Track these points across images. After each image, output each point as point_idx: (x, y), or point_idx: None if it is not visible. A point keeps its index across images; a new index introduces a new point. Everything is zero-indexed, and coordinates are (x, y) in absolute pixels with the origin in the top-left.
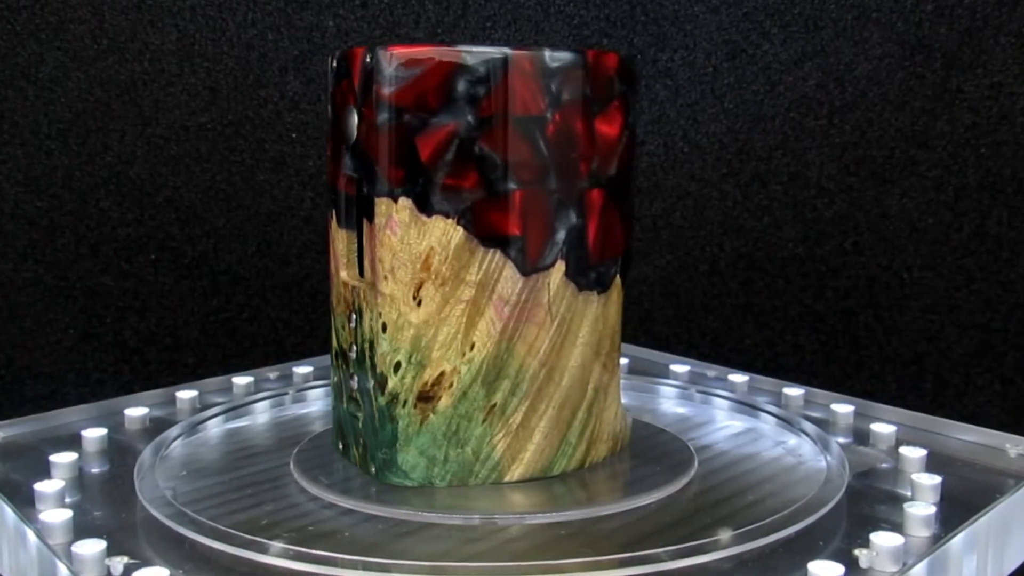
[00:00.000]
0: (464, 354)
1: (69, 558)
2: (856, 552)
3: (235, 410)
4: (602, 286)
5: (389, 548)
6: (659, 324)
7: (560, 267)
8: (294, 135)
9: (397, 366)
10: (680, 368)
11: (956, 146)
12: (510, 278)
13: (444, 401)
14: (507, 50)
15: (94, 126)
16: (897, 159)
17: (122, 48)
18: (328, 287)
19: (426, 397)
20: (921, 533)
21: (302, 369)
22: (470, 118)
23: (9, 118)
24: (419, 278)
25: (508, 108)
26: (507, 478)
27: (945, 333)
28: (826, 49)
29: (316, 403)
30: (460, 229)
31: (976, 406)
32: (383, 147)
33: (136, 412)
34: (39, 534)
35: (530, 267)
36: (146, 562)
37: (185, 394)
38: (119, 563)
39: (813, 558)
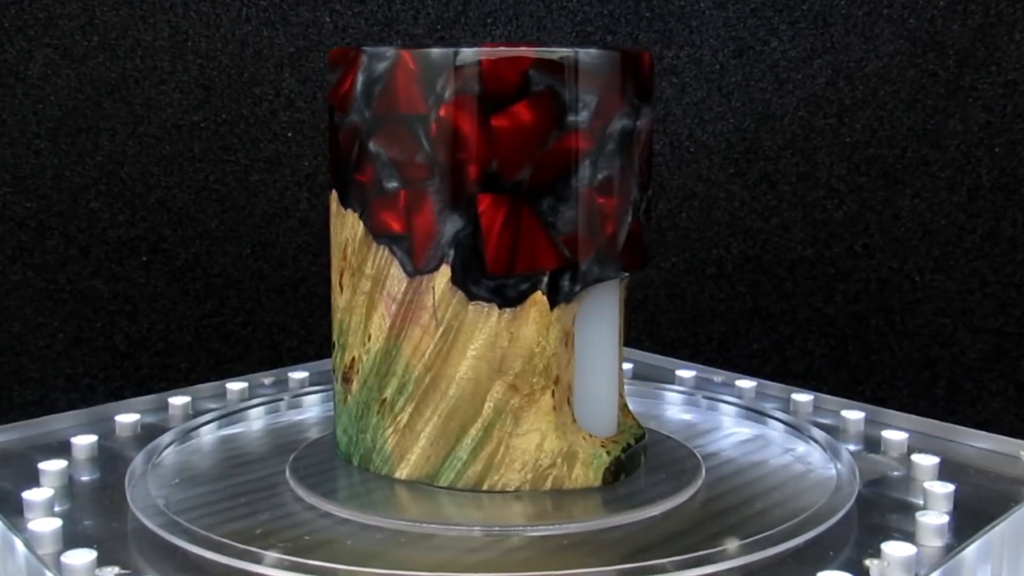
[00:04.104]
0: (364, 344)
1: (58, 568)
2: (867, 562)
3: (229, 416)
4: (505, 300)
5: (388, 558)
6: (664, 328)
7: (446, 272)
8: (290, 134)
9: (333, 345)
10: (686, 373)
11: (969, 145)
12: (396, 276)
13: (355, 385)
14: (392, 49)
15: (84, 125)
16: (909, 159)
17: (113, 45)
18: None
19: (346, 379)
20: (934, 543)
21: (298, 374)
22: (367, 115)
23: None
24: (341, 266)
25: (395, 107)
26: (396, 474)
27: (958, 337)
28: (836, 46)
29: (312, 409)
30: (361, 223)
31: (990, 412)
32: (329, 145)
33: (127, 418)
34: (28, 544)
35: (414, 268)
36: (137, 572)
37: (178, 400)
38: (110, 573)
39: (823, 568)
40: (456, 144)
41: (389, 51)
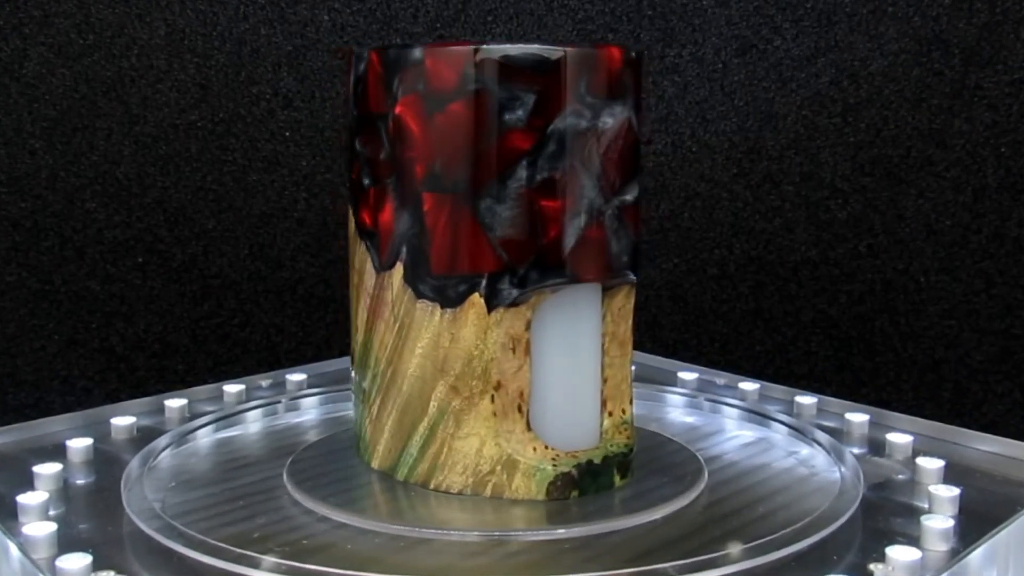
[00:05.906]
0: (354, 335)
1: (53, 573)
2: (871, 567)
3: (226, 419)
4: (446, 300)
5: (386, 562)
6: (666, 330)
7: (400, 269)
8: (287, 134)
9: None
10: (688, 375)
11: (975, 145)
12: (369, 271)
13: (354, 374)
14: (367, 51)
15: (80, 124)
16: (913, 159)
17: (109, 43)
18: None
19: (352, 366)
20: (939, 547)
21: (296, 376)
22: (355, 114)
23: None
24: (350, 258)
25: (368, 106)
26: (372, 464)
27: (963, 339)
28: (840, 44)
29: (310, 412)
30: (353, 219)
31: (996, 415)
32: None
33: (123, 421)
34: (22, 548)
35: (380, 264)
36: None
37: (174, 402)
38: None
39: (827, 573)
40: (405, 143)
41: (366, 52)
